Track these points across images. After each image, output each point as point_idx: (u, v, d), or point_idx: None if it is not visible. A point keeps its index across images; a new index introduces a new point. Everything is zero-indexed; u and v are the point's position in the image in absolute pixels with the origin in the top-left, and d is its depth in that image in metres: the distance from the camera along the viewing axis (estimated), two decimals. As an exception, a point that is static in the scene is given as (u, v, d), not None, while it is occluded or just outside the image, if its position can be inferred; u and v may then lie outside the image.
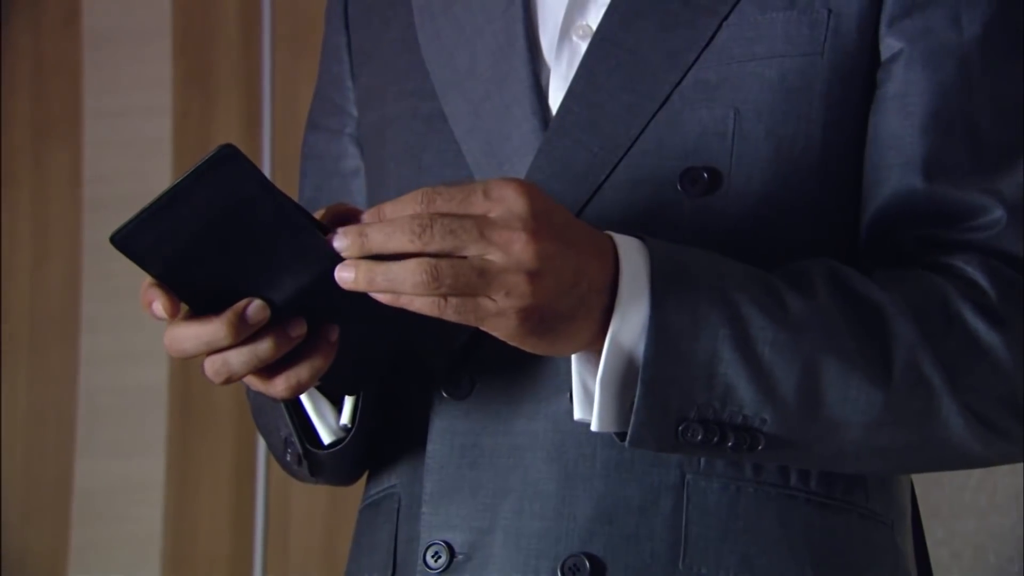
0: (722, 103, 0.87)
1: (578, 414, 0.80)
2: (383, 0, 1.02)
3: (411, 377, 0.92)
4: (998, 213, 0.87)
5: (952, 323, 0.83)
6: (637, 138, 0.88)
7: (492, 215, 0.74)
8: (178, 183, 0.75)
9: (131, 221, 0.76)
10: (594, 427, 0.79)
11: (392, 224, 0.73)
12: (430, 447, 0.90)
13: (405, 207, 0.74)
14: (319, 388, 0.86)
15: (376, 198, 0.99)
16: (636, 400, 0.78)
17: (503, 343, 0.87)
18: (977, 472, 1.80)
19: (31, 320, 2.59)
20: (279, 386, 0.79)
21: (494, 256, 0.73)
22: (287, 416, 0.89)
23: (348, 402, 0.89)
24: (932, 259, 0.87)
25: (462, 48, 0.96)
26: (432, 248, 0.72)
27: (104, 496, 2.49)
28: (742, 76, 0.87)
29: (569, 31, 0.92)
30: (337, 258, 0.75)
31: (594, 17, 0.92)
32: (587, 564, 0.84)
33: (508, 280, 0.73)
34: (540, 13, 0.94)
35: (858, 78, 0.88)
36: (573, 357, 0.80)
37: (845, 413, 0.81)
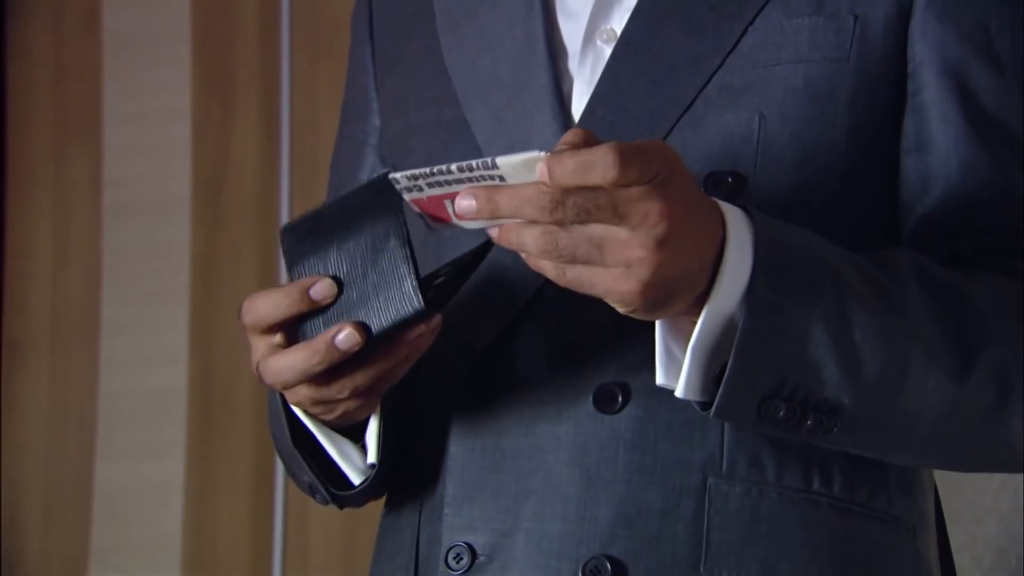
0: (747, 107, 0.87)
1: (661, 379, 0.79)
2: (407, 10, 1.03)
3: (434, 379, 0.92)
4: None
5: None
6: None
7: (635, 188, 0.72)
8: (342, 196, 0.80)
9: (300, 217, 0.81)
10: (679, 393, 0.79)
11: (523, 195, 0.72)
12: (452, 449, 0.90)
13: (595, 164, 0.71)
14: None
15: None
16: (728, 370, 0.77)
17: (526, 344, 0.88)
18: (998, 475, 1.79)
19: (52, 323, 2.60)
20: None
21: (623, 230, 0.72)
22: (306, 466, 0.89)
23: (372, 440, 0.89)
24: (995, 263, 0.87)
25: (484, 54, 0.96)
26: (564, 223, 0.72)
27: (124, 499, 2.49)
28: (767, 81, 0.87)
29: (593, 35, 0.92)
30: (420, 314, 0.77)
31: (618, 21, 0.92)
32: (608, 566, 0.84)
33: (632, 254, 0.72)
34: (562, 18, 0.95)
35: (885, 84, 0.89)
36: (657, 322, 0.79)
37: (922, 404, 0.81)
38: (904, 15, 0.88)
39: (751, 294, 0.76)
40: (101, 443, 2.53)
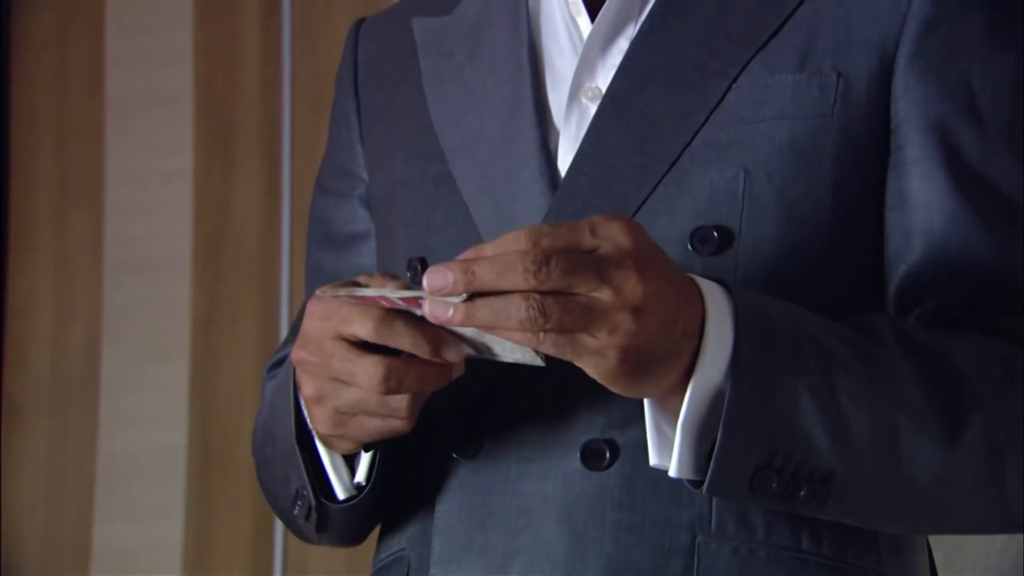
0: (732, 163, 0.87)
1: (654, 460, 0.79)
2: (393, 65, 1.03)
3: (421, 436, 0.92)
4: None
5: (1013, 384, 0.84)
6: (647, 198, 0.88)
7: (602, 252, 0.72)
8: None
9: None
10: (673, 472, 0.78)
11: (503, 261, 0.71)
12: (439, 507, 0.89)
13: (509, 245, 0.71)
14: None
15: (385, 260, 0.99)
16: (717, 445, 0.76)
17: (513, 402, 0.87)
18: (1001, 536, 1.78)
19: (52, 383, 2.60)
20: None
21: (604, 294, 0.72)
22: (302, 466, 0.88)
23: (364, 459, 0.89)
24: (979, 321, 0.87)
25: (471, 111, 0.96)
26: (547, 287, 0.71)
27: (123, 559, 2.48)
28: (752, 137, 0.87)
29: (579, 93, 0.93)
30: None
31: (603, 79, 0.92)
32: None
33: (614, 318, 0.72)
34: (549, 76, 0.95)
35: (869, 140, 0.89)
36: (646, 402, 0.79)
37: (913, 470, 0.80)
38: (887, 72, 0.89)
39: (735, 365, 0.76)
40: (100, 503, 2.52)
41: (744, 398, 0.76)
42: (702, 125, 0.88)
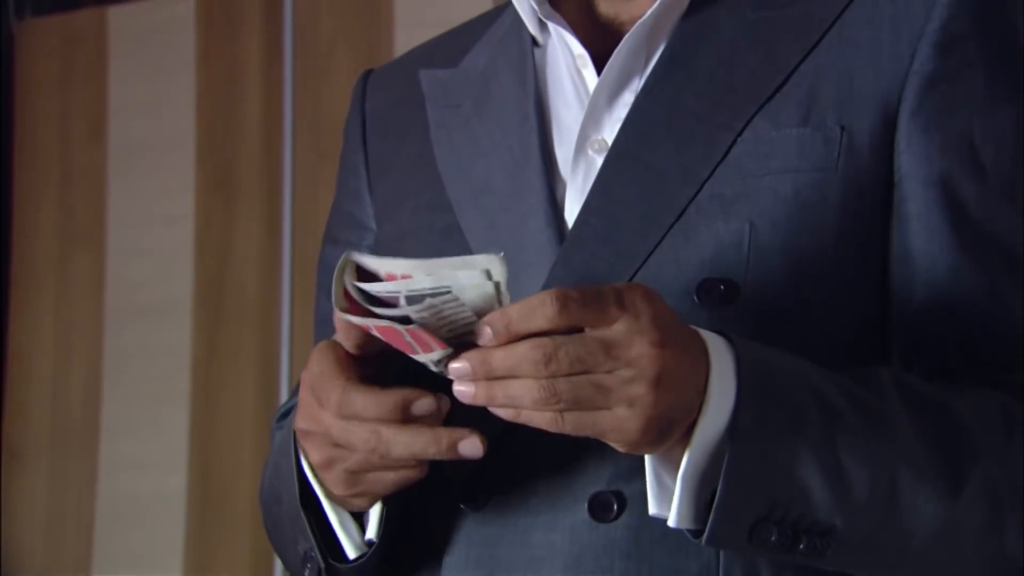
0: (738, 216, 0.88)
1: (654, 510, 0.80)
2: (400, 116, 1.04)
3: (428, 487, 0.92)
4: None
5: (1014, 437, 0.84)
6: (653, 250, 0.88)
7: (619, 327, 0.75)
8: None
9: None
10: (672, 522, 0.79)
11: (517, 354, 0.74)
12: (447, 559, 0.89)
13: (534, 307, 0.74)
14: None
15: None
16: (717, 496, 0.77)
17: (520, 454, 0.88)
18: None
19: (51, 427, 2.60)
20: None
21: (619, 372, 0.74)
22: (309, 529, 0.88)
23: (374, 516, 0.89)
24: (982, 374, 0.87)
25: (478, 162, 0.97)
26: (559, 375, 0.74)
27: (121, 604, 2.47)
28: (757, 190, 0.88)
29: (585, 146, 0.93)
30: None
31: (609, 132, 0.93)
32: None
33: (632, 392, 0.74)
34: (555, 128, 0.96)
35: (872, 193, 0.89)
36: (646, 455, 0.80)
37: (914, 523, 0.81)
38: (890, 126, 0.89)
39: (737, 419, 0.77)
40: (99, 548, 2.51)
41: (745, 452, 0.77)
42: (708, 178, 0.89)
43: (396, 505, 0.89)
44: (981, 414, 0.84)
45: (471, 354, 0.75)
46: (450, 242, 0.95)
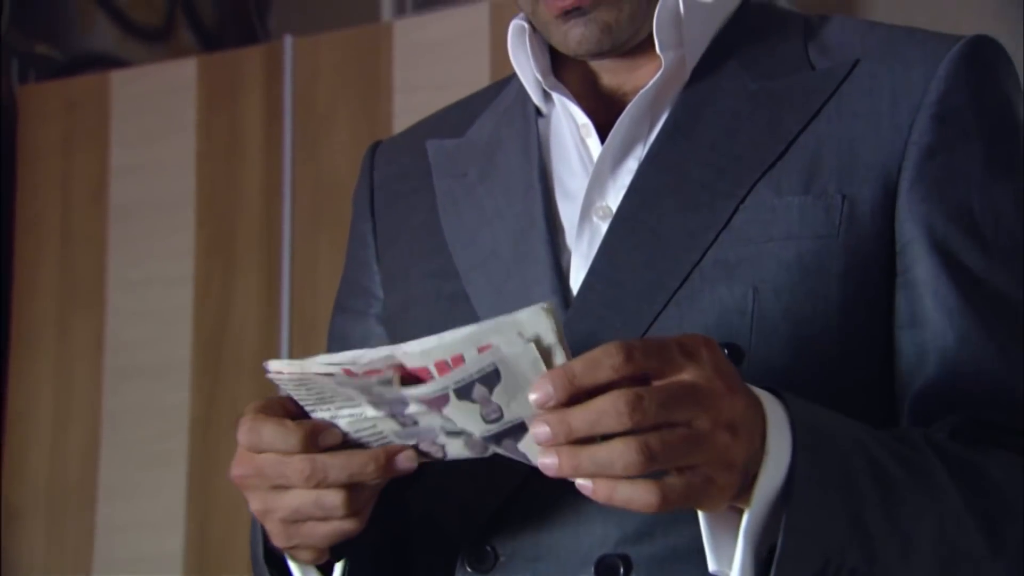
0: (741, 282, 0.89)
1: (713, 567, 0.78)
2: (408, 186, 1.06)
3: (433, 550, 0.93)
4: None
5: None
6: (659, 315, 0.89)
7: (687, 375, 0.72)
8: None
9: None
10: None
11: (597, 407, 0.69)
12: None
13: (600, 362, 0.70)
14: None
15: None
16: (779, 549, 0.75)
17: (528, 516, 0.88)
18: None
19: (49, 488, 2.59)
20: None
21: (703, 421, 0.71)
22: None
23: (337, 570, 0.88)
24: (996, 437, 0.88)
25: (484, 229, 0.98)
26: (646, 425, 0.69)
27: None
28: (760, 256, 0.89)
29: (590, 212, 0.95)
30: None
31: (614, 199, 0.94)
32: None
33: (718, 442, 0.72)
34: (560, 196, 0.97)
35: (874, 260, 0.90)
36: (701, 514, 0.78)
37: None
38: (890, 195, 0.90)
39: (795, 473, 0.76)
40: (96, 610, 2.50)
41: (804, 505, 0.76)
42: (711, 244, 0.90)
43: (381, 563, 0.89)
44: (1012, 478, 0.85)
45: (549, 416, 0.69)
46: (456, 308, 0.96)
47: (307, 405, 0.80)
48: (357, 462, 0.78)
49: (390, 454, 0.78)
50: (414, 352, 0.72)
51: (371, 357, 0.74)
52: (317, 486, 0.79)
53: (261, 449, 0.80)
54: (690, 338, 0.74)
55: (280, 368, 0.78)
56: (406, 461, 0.78)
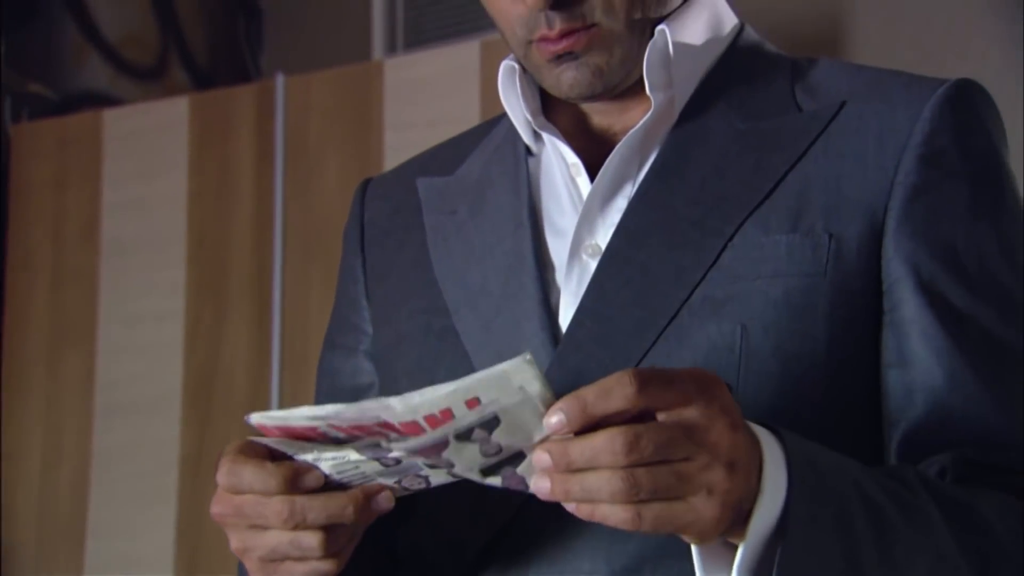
0: (729, 319, 0.89)
1: None
2: (398, 222, 1.07)
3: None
4: None
5: None
6: (648, 351, 0.90)
7: (695, 410, 0.73)
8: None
9: None
10: None
11: (596, 444, 0.71)
12: None
13: (612, 391, 0.71)
14: None
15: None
16: None
17: (516, 553, 0.88)
18: None
19: (38, 527, 2.58)
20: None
21: (701, 458, 0.72)
22: None
23: None
24: (984, 476, 0.88)
25: (474, 266, 0.99)
26: (642, 462, 0.71)
27: None
28: (748, 294, 0.90)
29: (579, 250, 0.95)
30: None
31: (603, 236, 0.95)
32: None
33: (711, 478, 0.72)
34: (549, 233, 0.98)
35: (862, 298, 0.91)
36: (694, 547, 0.78)
37: None
38: (877, 234, 0.91)
39: (790, 510, 0.76)
40: (84, 649, 2.48)
41: (800, 541, 0.77)
42: (700, 281, 0.91)
43: None
44: (1003, 517, 0.86)
45: (551, 447, 0.72)
46: (446, 345, 0.97)
47: (290, 451, 0.80)
48: (335, 504, 0.79)
49: (368, 495, 0.79)
50: (401, 409, 0.73)
51: (355, 413, 0.74)
52: (295, 527, 0.80)
53: (241, 491, 0.81)
54: (699, 371, 0.75)
55: (262, 421, 0.78)
56: (384, 502, 0.79)
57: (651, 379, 0.72)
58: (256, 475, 0.80)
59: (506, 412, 0.72)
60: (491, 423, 0.72)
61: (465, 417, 0.71)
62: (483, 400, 0.71)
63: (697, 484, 0.72)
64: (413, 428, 0.73)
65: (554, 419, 0.71)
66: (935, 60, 2.83)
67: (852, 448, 0.90)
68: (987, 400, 0.89)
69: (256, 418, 0.78)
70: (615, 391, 0.71)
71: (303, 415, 0.77)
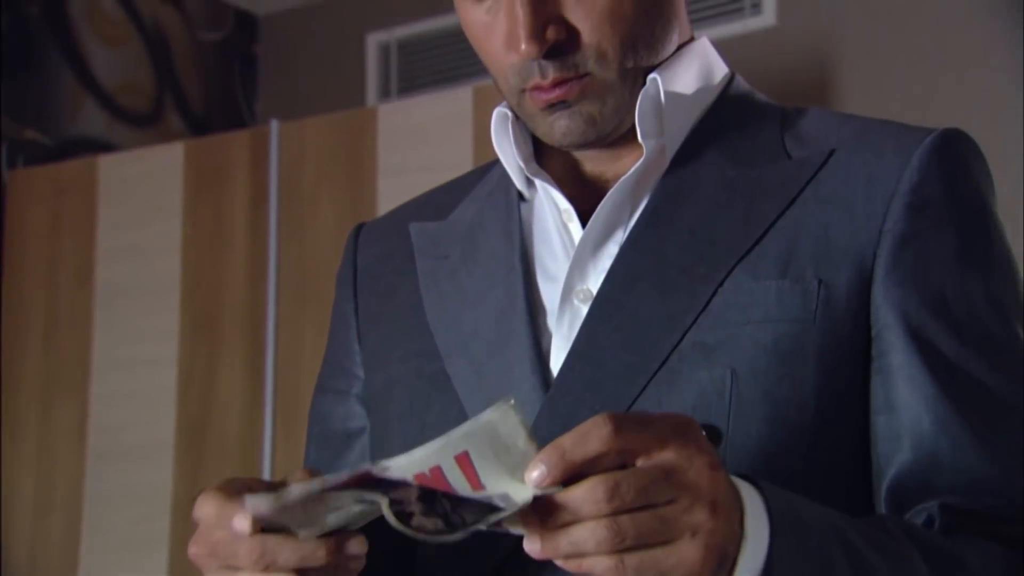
0: (719, 364, 0.90)
1: None
2: (391, 268, 1.07)
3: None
4: (1018, 487, 0.89)
5: None
6: (638, 396, 0.90)
7: (671, 452, 0.73)
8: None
9: None
10: None
11: (577, 496, 0.71)
12: None
13: (588, 435, 0.72)
14: None
15: (380, 456, 1.01)
16: None
17: None
18: None
19: (30, 573, 2.57)
20: None
21: (683, 500, 0.72)
22: None
23: None
24: (970, 525, 0.88)
25: (466, 311, 0.99)
26: (623, 510, 0.71)
27: None
28: (738, 339, 0.90)
29: (570, 295, 0.96)
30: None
31: (594, 282, 0.96)
32: None
33: (694, 519, 0.72)
34: (541, 279, 0.99)
35: (851, 344, 0.91)
36: None
37: None
38: (866, 281, 0.92)
39: (773, 558, 0.76)
40: None
41: None
42: (690, 326, 0.91)
43: None
44: (987, 564, 0.86)
45: (536, 506, 0.72)
46: (437, 389, 0.97)
47: (293, 527, 0.80)
48: (307, 547, 0.79)
49: (340, 541, 0.79)
50: (392, 471, 0.73)
51: (345, 477, 0.75)
52: (266, 569, 0.79)
53: (214, 529, 0.80)
54: (675, 416, 0.75)
55: (257, 504, 0.79)
56: (356, 547, 0.79)
57: (626, 422, 0.73)
58: (224, 510, 0.79)
59: (491, 466, 0.72)
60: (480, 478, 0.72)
61: (458, 482, 0.72)
62: (471, 454, 0.71)
63: (681, 527, 0.73)
64: (404, 487, 0.74)
65: (535, 473, 0.72)
66: (923, 110, 2.85)
67: (842, 493, 0.91)
68: (976, 448, 0.89)
69: (252, 501, 0.78)
70: (591, 434, 0.72)
71: (296, 491, 0.77)
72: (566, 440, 0.72)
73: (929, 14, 2.94)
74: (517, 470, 0.73)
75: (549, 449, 0.72)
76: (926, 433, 0.90)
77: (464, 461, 0.72)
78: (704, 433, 0.88)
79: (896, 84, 2.95)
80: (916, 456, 0.90)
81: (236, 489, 0.81)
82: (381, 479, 0.74)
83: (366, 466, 0.74)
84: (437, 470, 0.72)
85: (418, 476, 0.73)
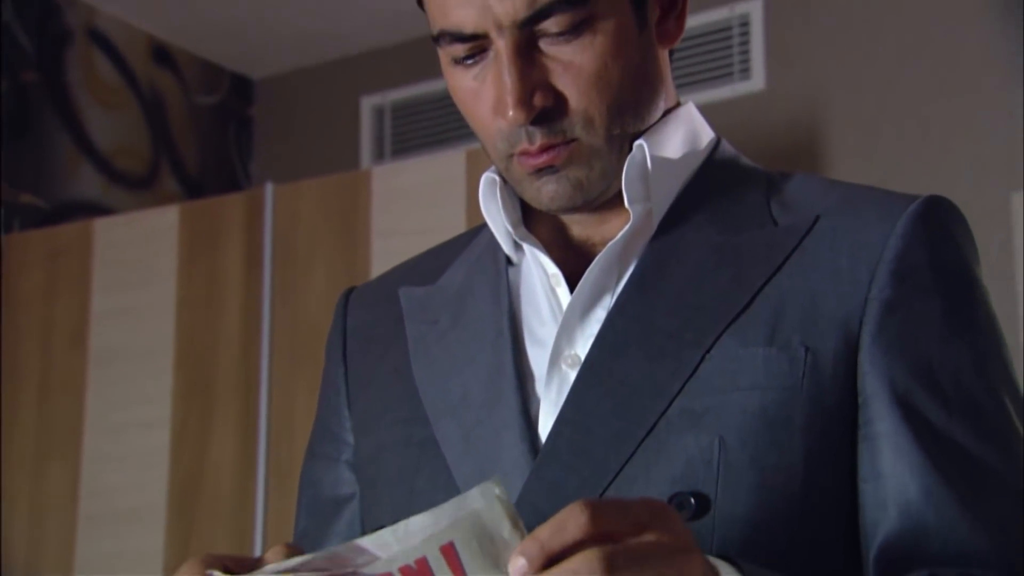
0: (707, 431, 0.89)
1: None
2: (380, 332, 1.07)
3: None
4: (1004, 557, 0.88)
5: None
6: (626, 463, 0.90)
7: (650, 535, 0.72)
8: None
9: None
10: None
11: (571, 568, 0.70)
12: None
13: (566, 524, 0.71)
14: None
15: (370, 521, 1.01)
16: None
17: None
18: None
19: (19, 639, 2.55)
20: None
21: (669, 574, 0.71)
22: None
23: None
24: None
25: (455, 376, 0.99)
26: None
27: None
28: (726, 406, 0.90)
29: (559, 360, 0.96)
30: None
31: (582, 347, 0.96)
32: None
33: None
34: (529, 343, 0.99)
35: (838, 411, 0.91)
36: None
37: None
38: (852, 349, 0.92)
39: None
40: None
41: None
42: (678, 393, 0.91)
43: None
44: None
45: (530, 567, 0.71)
46: (426, 455, 0.97)
47: None
48: None
49: None
50: (375, 568, 0.73)
51: (325, 562, 0.74)
52: None
53: None
54: (651, 501, 0.75)
55: None
56: None
57: (603, 508, 0.72)
58: None
59: (475, 558, 0.72)
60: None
61: (443, 574, 0.72)
62: (457, 544, 0.72)
63: None
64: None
65: (516, 566, 0.71)
66: (911, 176, 2.87)
67: (830, 560, 0.91)
68: (963, 517, 0.89)
69: None
70: (569, 523, 0.71)
71: (270, 571, 0.77)
72: (544, 532, 0.71)
73: (919, 79, 2.97)
74: (501, 558, 0.73)
75: (528, 542, 0.71)
76: (913, 501, 0.89)
77: (450, 553, 0.72)
78: (692, 500, 0.88)
79: (884, 149, 2.97)
80: (903, 524, 0.90)
81: (209, 566, 0.81)
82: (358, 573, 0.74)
83: (349, 555, 0.74)
84: (423, 562, 0.72)
85: (403, 569, 0.73)
